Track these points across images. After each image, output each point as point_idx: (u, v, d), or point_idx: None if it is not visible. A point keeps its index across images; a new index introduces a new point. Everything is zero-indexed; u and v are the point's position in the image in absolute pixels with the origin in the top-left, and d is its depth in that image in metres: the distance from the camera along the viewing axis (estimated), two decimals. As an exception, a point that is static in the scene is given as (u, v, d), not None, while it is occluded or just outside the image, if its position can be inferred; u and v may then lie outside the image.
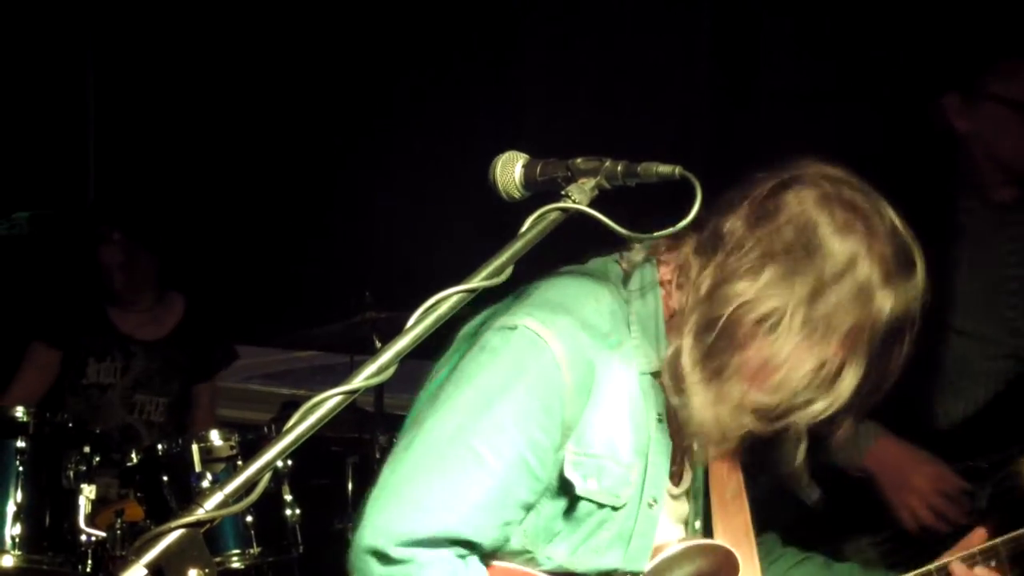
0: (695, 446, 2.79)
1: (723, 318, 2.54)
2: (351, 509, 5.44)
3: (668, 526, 2.81)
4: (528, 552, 2.66)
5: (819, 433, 2.69)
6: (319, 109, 6.87)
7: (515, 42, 6.46)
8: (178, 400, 5.95)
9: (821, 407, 2.57)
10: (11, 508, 4.74)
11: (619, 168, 2.35)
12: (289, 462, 4.95)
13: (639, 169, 2.35)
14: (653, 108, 5.90)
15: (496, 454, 2.53)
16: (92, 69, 7.31)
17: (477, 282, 2.19)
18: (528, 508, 2.62)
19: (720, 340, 2.55)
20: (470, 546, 2.56)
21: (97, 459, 4.91)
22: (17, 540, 4.72)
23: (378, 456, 5.39)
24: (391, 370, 2.08)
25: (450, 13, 6.56)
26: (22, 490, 4.76)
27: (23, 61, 6.92)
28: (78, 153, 7.32)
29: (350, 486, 5.61)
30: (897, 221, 2.58)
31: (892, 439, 3.86)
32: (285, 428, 2.02)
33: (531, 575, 2.67)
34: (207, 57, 7.08)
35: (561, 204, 2.30)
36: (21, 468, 4.78)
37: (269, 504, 4.92)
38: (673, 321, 2.67)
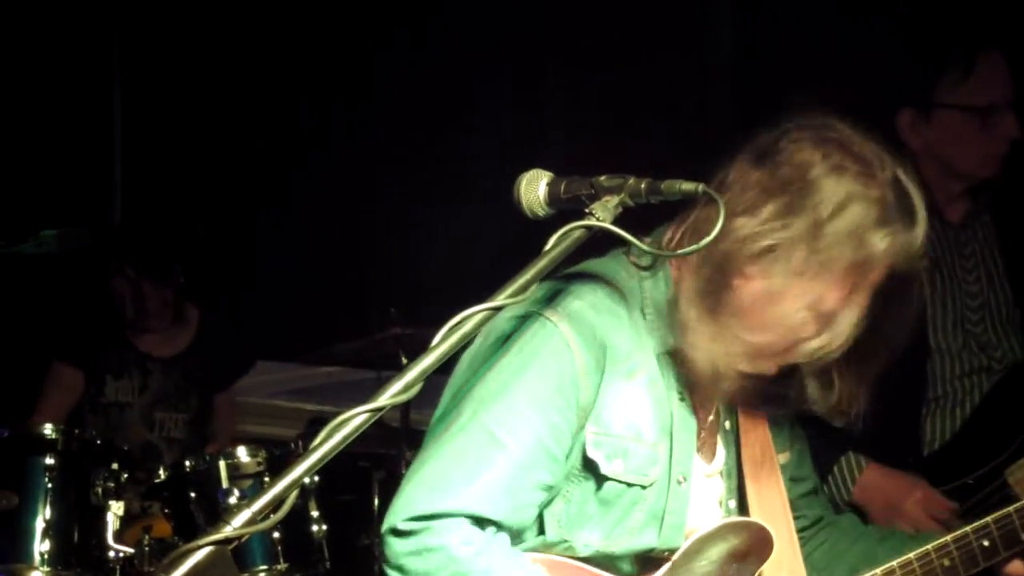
0: (720, 420, 2.83)
1: (720, 253, 2.56)
2: (377, 525, 5.44)
3: (703, 506, 2.82)
4: (565, 541, 2.69)
5: (821, 409, 2.73)
6: (348, 125, 6.89)
7: (540, 60, 6.48)
8: (198, 416, 5.98)
9: (817, 345, 2.58)
10: (40, 524, 4.76)
11: (642, 186, 2.36)
12: (316, 478, 4.96)
13: (662, 187, 2.36)
14: (675, 124, 5.90)
15: (513, 436, 2.57)
16: (119, 85, 7.34)
17: (502, 299, 2.21)
18: (549, 490, 2.64)
19: (717, 275, 2.58)
20: (492, 524, 2.59)
21: (125, 476, 4.92)
22: (46, 556, 4.74)
23: (404, 472, 5.39)
24: (417, 388, 2.09)
25: (475, 31, 6.58)
26: (51, 507, 4.77)
27: (50, 78, 6.94)
28: (104, 170, 7.34)
29: (376, 502, 5.62)
30: (901, 173, 2.60)
31: (879, 468, 3.88)
32: (312, 446, 2.04)
33: (570, 564, 2.70)
34: (234, 72, 7.11)
35: (585, 222, 2.32)
36: (50, 485, 4.79)
37: (296, 520, 4.94)
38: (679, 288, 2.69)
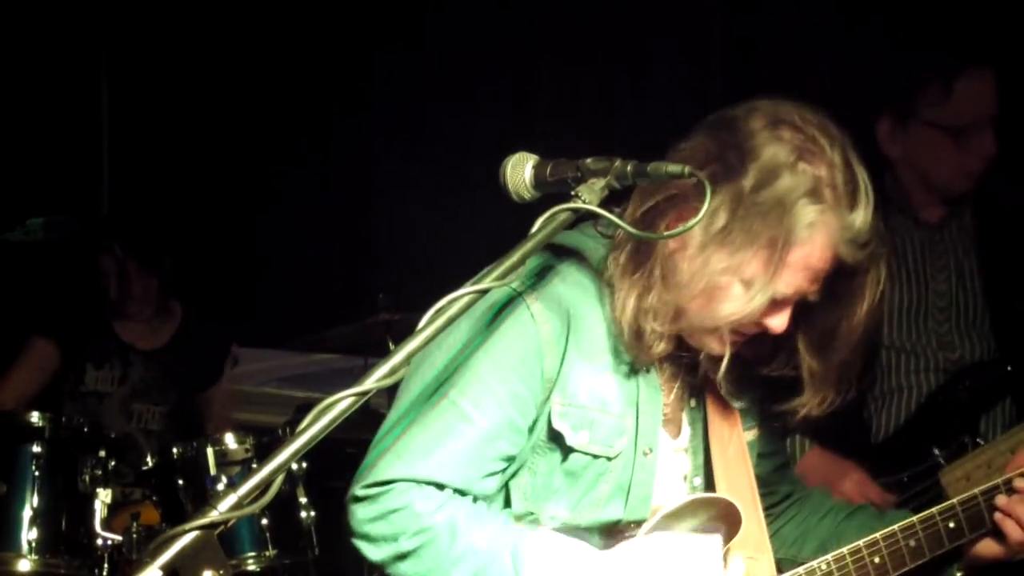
0: (686, 397, 2.83)
1: (649, 208, 2.57)
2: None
3: (669, 481, 2.83)
4: (531, 514, 2.70)
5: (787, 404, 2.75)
6: (332, 111, 6.89)
7: (526, 42, 6.47)
8: (176, 409, 5.95)
9: (729, 310, 2.57)
10: (28, 513, 4.74)
11: (629, 168, 2.36)
12: (304, 464, 4.96)
13: (649, 169, 2.36)
14: (663, 106, 5.89)
15: (476, 407, 2.58)
16: (106, 74, 7.32)
17: (488, 282, 2.21)
18: (511, 460, 2.65)
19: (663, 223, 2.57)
20: (452, 488, 2.59)
21: (113, 463, 4.91)
22: (34, 544, 4.72)
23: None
24: (403, 371, 2.10)
25: (462, 13, 6.57)
26: (38, 495, 4.76)
27: (37, 67, 6.93)
28: (92, 159, 7.33)
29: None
30: (853, 158, 2.58)
31: (821, 452, 3.97)
32: (298, 430, 2.04)
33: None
34: (219, 59, 7.09)
35: (571, 204, 2.32)
36: (37, 473, 4.78)
37: (284, 506, 4.92)
38: None
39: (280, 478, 2.02)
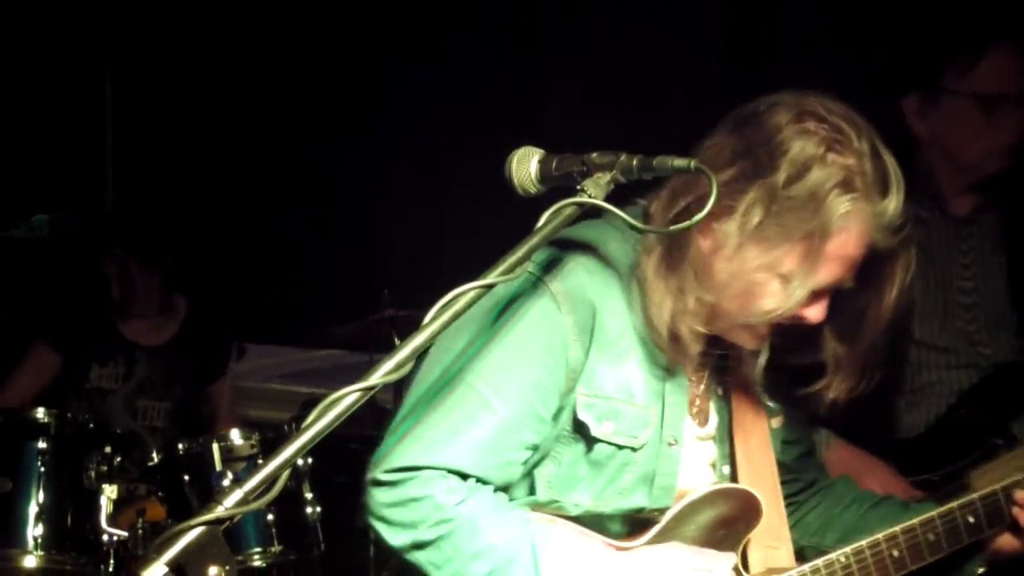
0: (713, 386, 2.85)
1: (681, 210, 2.57)
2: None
3: (695, 469, 2.84)
4: (555, 502, 2.70)
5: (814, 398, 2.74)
6: (335, 107, 6.88)
7: (530, 36, 6.46)
8: (181, 406, 5.95)
9: (769, 306, 2.58)
10: (33, 509, 4.75)
11: (634, 162, 2.36)
12: (310, 460, 4.96)
13: (654, 163, 2.36)
14: (668, 100, 5.89)
15: (499, 395, 2.58)
16: (109, 69, 7.32)
17: (494, 277, 2.21)
18: (534, 449, 2.65)
19: (678, 235, 2.57)
20: (474, 478, 2.59)
21: (118, 460, 4.91)
22: (40, 541, 4.73)
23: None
24: (409, 366, 2.10)
25: (466, 7, 6.57)
26: (44, 491, 4.76)
27: (41, 63, 6.92)
28: (96, 155, 7.32)
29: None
30: (880, 146, 2.60)
31: (846, 445, 3.85)
32: (303, 426, 2.03)
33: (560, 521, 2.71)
34: (227, 57, 7.08)
35: (577, 199, 2.32)
36: (43, 469, 4.79)
37: (290, 502, 4.93)
38: None
39: (285, 474, 2.01)
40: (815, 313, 2.64)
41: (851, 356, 2.71)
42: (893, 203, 2.57)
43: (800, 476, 3.14)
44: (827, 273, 2.58)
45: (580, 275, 2.64)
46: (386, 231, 6.70)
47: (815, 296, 2.62)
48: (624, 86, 6.09)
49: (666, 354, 2.68)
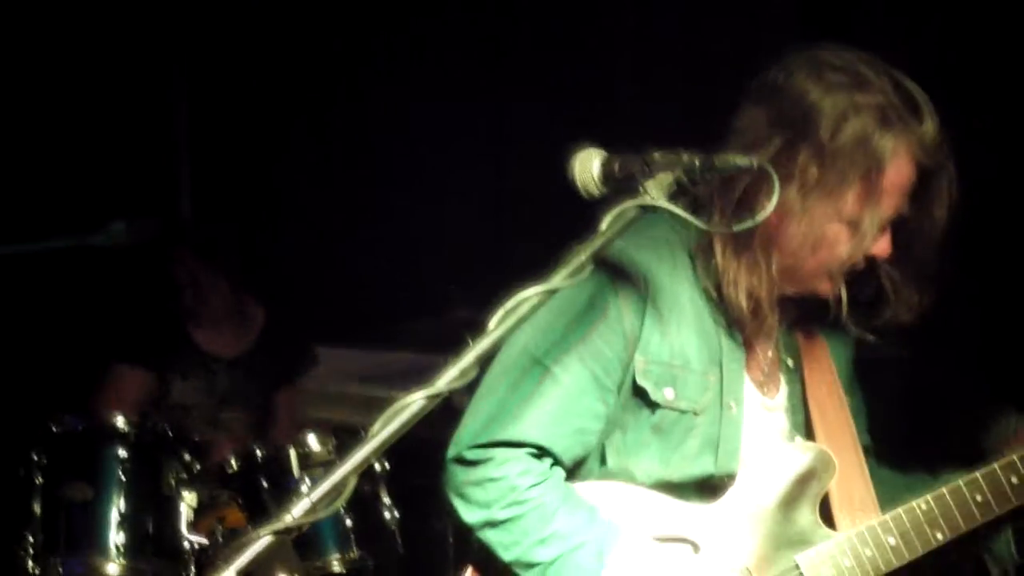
0: (782, 357, 2.94)
1: (739, 193, 2.70)
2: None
3: (767, 438, 2.90)
4: (626, 470, 2.79)
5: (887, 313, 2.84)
6: (405, 107, 6.88)
7: (598, 30, 6.43)
8: (261, 415, 5.99)
9: (847, 251, 2.73)
10: (115, 516, 4.79)
11: (696, 162, 2.39)
12: (387, 464, 4.97)
13: (716, 162, 2.38)
14: (741, 87, 5.84)
15: (561, 366, 2.71)
16: (184, 74, 7.36)
17: (558, 281, 2.20)
18: (603, 419, 2.75)
19: (741, 214, 2.66)
20: (547, 454, 2.71)
21: (197, 466, 4.95)
22: (121, 548, 4.76)
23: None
24: (473, 373, 2.12)
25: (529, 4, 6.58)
26: (125, 499, 4.80)
27: (116, 68, 6.98)
28: (172, 163, 7.38)
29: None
30: (898, 76, 2.73)
31: None
32: (370, 433, 2.05)
33: (630, 488, 2.79)
34: (296, 60, 7.12)
35: (640, 201, 2.32)
36: (123, 477, 4.82)
37: (368, 507, 4.93)
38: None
39: (353, 481, 2.02)
40: (882, 247, 2.79)
41: (906, 276, 2.84)
42: (929, 123, 2.71)
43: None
44: (888, 205, 2.72)
45: (631, 251, 2.74)
46: (454, 233, 6.70)
47: (880, 231, 2.74)
48: (696, 85, 6.05)
49: (748, 329, 2.82)
